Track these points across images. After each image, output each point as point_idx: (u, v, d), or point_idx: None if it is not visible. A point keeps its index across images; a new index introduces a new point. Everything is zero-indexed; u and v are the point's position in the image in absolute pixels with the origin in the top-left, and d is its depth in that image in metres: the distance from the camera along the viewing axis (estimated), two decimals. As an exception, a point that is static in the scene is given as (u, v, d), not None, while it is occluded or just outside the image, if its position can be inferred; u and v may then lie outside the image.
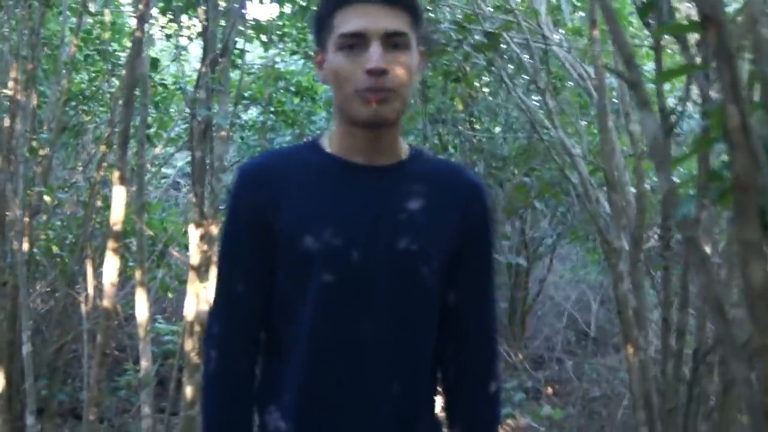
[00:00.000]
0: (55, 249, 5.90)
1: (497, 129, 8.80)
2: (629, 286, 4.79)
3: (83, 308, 5.39)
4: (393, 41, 1.70)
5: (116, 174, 4.25)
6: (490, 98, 8.19)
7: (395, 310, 1.74)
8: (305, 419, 1.75)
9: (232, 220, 1.79)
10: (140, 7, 4.05)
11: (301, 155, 1.81)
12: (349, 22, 1.70)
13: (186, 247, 7.62)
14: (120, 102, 6.42)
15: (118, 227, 4.16)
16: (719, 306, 2.51)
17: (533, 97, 6.45)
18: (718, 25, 1.40)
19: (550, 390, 7.48)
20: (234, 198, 1.79)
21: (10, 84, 5.17)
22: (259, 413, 1.82)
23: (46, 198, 5.46)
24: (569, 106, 6.79)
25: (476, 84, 7.36)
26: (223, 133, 4.59)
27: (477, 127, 8.73)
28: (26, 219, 4.79)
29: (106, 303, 4.22)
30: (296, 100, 8.29)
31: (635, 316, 4.80)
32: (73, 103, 7.11)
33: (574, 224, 8.03)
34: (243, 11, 5.21)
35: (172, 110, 8.66)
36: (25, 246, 4.64)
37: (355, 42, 1.70)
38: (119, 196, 4.20)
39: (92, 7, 7.25)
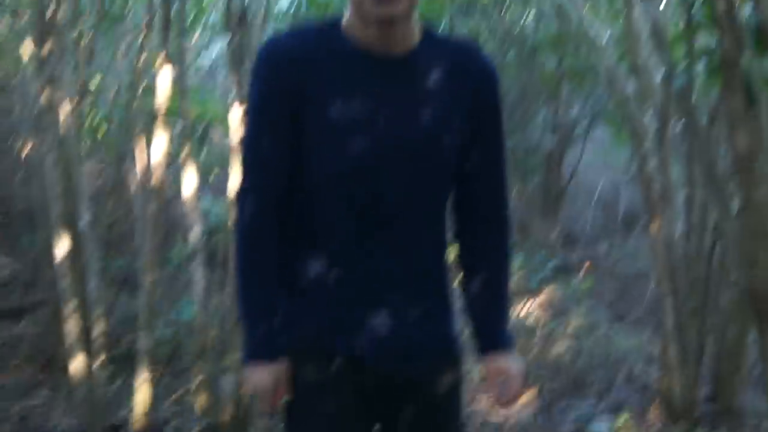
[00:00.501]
0: (102, 129, 6.15)
1: (529, 18, 8.81)
2: (655, 165, 4.95)
3: (133, 185, 5.64)
4: None
5: (161, 55, 4.43)
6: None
7: (414, 182, 1.86)
8: (343, 263, 1.86)
9: (260, 96, 1.85)
10: None
11: (323, 39, 1.85)
12: None
13: (226, 132, 7.85)
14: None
15: (165, 106, 4.38)
16: (711, 169, 2.71)
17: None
18: None
19: (584, 266, 7.66)
20: (263, 76, 1.84)
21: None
22: (295, 262, 1.91)
23: (93, 81, 5.65)
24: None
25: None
26: (260, 20, 4.76)
27: (508, 16, 8.76)
28: (74, 101, 4.99)
29: (156, 178, 4.48)
30: (328, -13, 8.28)
31: (661, 193, 4.96)
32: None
33: (604, 109, 8.11)
34: None
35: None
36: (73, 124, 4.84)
37: None
38: (165, 76, 4.40)
39: None
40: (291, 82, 1.81)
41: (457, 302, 2.02)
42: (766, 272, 1.39)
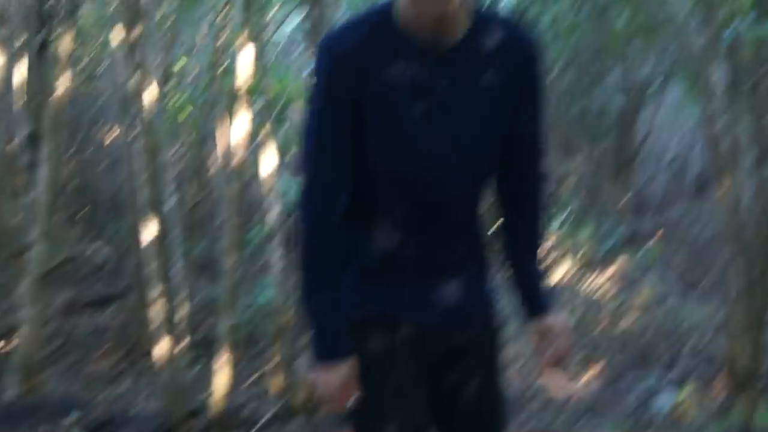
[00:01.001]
0: (185, 112, 6.35)
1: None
2: (724, 124, 4.90)
3: (216, 166, 5.80)
4: None
5: (243, 36, 4.56)
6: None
7: (467, 170, 1.98)
8: (402, 244, 1.98)
9: (320, 101, 1.90)
10: None
11: (378, 34, 1.90)
12: None
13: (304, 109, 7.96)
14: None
15: (247, 87, 4.51)
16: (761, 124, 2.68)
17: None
18: None
19: (655, 233, 7.64)
20: (323, 83, 1.90)
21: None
22: (358, 243, 2.01)
23: (177, 64, 5.83)
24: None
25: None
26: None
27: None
28: (160, 85, 5.15)
29: (237, 159, 4.64)
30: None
31: (729, 153, 4.92)
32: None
33: (677, 66, 8.00)
34: None
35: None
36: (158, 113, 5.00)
37: None
38: (246, 55, 4.53)
39: None
40: (352, 86, 1.88)
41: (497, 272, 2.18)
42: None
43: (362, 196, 2.01)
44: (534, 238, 2.16)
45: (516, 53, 1.99)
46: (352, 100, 1.89)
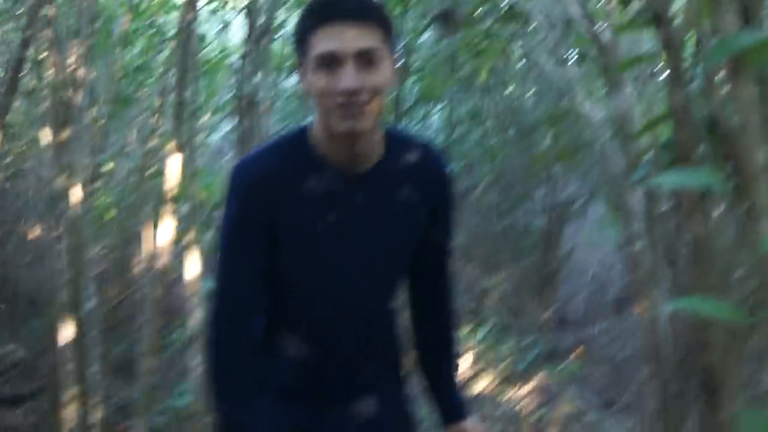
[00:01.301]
0: (112, 213, 6.32)
1: (529, 94, 9.04)
2: (643, 245, 5.06)
3: (139, 268, 5.77)
4: (366, 58, 1.80)
5: (172, 143, 4.62)
6: (523, 63, 8.41)
7: (379, 289, 2.06)
8: (310, 364, 2.03)
9: (233, 228, 1.93)
10: (190, -9, 4.40)
11: (291, 158, 1.93)
12: (323, 42, 1.79)
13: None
14: (171, 74, 6.82)
15: (174, 192, 4.54)
16: (669, 252, 2.83)
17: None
18: (666, 23, 1.71)
19: (577, 350, 7.72)
20: (234, 210, 1.92)
21: (70, 60, 5.53)
22: (267, 360, 2.03)
23: (107, 165, 5.84)
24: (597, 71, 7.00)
25: (508, 50, 7.60)
26: (267, 104, 4.97)
27: (508, 92, 9.01)
28: (87, 186, 5.16)
29: (162, 262, 4.62)
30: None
31: (648, 273, 5.06)
32: (126, 76, 7.49)
33: (599, 187, 8.26)
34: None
35: (216, 81, 9.02)
36: (85, 210, 5.00)
37: (330, 62, 1.79)
38: (174, 163, 4.57)
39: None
40: (265, 210, 1.91)
41: (413, 384, 2.21)
42: (715, 353, 1.51)
43: (275, 316, 2.04)
44: (447, 347, 2.23)
45: (429, 175, 2.06)
46: (265, 223, 1.91)
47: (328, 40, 1.79)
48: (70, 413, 4.66)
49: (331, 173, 1.93)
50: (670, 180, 1.08)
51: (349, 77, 1.77)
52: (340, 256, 1.97)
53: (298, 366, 2.04)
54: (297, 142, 1.97)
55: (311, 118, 1.98)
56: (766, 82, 1.66)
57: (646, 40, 4.94)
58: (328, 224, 1.94)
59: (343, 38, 1.79)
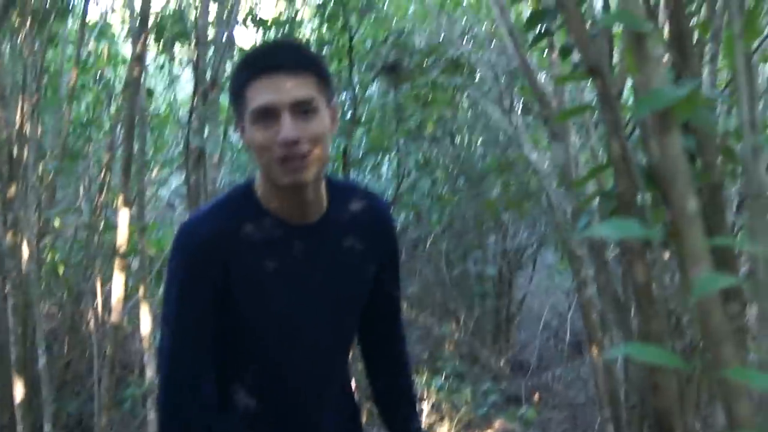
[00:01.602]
0: (61, 269, 6.27)
1: (478, 143, 9.16)
2: (594, 290, 5.15)
3: (92, 324, 5.72)
4: (302, 108, 1.82)
5: (121, 198, 4.62)
6: (468, 115, 8.54)
7: (333, 341, 2.08)
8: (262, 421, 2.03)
9: (181, 299, 1.90)
10: (138, 46, 4.43)
11: (239, 214, 1.94)
12: (258, 96, 1.81)
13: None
14: (119, 129, 6.82)
15: (124, 247, 4.53)
16: (615, 298, 2.90)
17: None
18: (602, 75, 1.77)
19: (534, 397, 7.76)
20: (181, 278, 1.90)
21: (17, 116, 5.52)
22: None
23: (57, 221, 5.81)
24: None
25: (456, 100, 7.72)
26: (215, 159, 4.99)
27: (457, 141, 9.13)
28: (35, 243, 5.14)
29: (114, 317, 4.59)
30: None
31: (600, 319, 5.14)
32: (74, 130, 7.47)
33: (549, 234, 8.36)
34: (231, 42, 5.59)
35: (165, 135, 9.03)
36: (34, 266, 4.97)
37: (267, 115, 1.82)
38: (124, 218, 4.57)
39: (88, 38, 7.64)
40: (213, 269, 1.90)
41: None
42: (666, 394, 1.56)
43: (229, 371, 2.02)
44: (407, 395, 2.29)
45: (374, 225, 2.13)
46: (214, 282, 1.90)
47: (264, 92, 1.81)
48: (21, 474, 4.57)
49: (279, 226, 1.94)
50: (609, 230, 1.13)
51: (286, 128, 1.79)
52: (292, 308, 1.98)
53: (255, 421, 2.03)
54: (243, 197, 1.98)
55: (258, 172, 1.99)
56: (699, 132, 1.74)
57: (590, 89, 5.08)
58: (278, 276, 1.94)
59: (279, 90, 1.80)
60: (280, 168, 1.83)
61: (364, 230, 2.08)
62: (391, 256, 2.17)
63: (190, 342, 1.89)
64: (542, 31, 2.52)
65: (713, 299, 1.08)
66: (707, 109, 1.68)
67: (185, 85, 11.47)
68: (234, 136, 9.09)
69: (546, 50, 4.67)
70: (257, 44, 1.89)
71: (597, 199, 4.05)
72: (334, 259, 2.03)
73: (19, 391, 4.66)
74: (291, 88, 1.80)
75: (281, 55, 1.85)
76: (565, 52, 2.56)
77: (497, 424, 6.75)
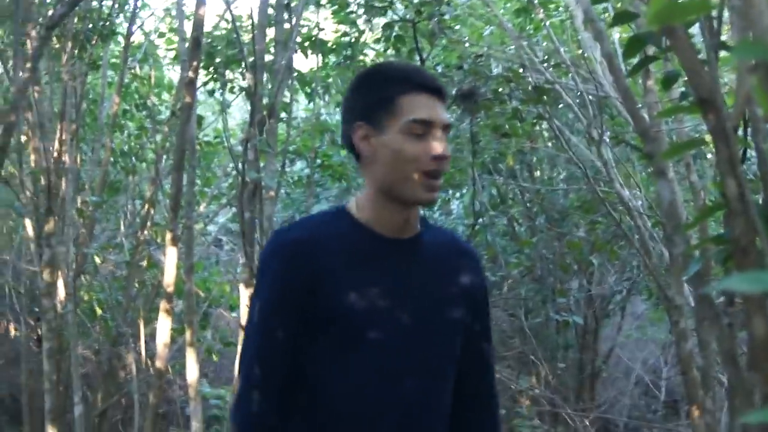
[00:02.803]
0: (99, 309, 6.36)
1: (560, 178, 9.12)
2: (694, 344, 5.05)
3: (132, 369, 5.79)
4: (446, 132, 2.07)
5: (169, 236, 4.67)
6: (550, 146, 8.50)
7: (431, 370, 2.09)
8: None
9: (271, 291, 2.02)
10: (190, 73, 4.50)
11: (333, 225, 2.08)
12: (418, 110, 2.03)
13: (231, 307, 8.05)
14: (164, 159, 6.93)
15: (171, 288, 4.58)
16: (732, 356, 2.85)
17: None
18: (716, 108, 1.76)
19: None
20: (274, 270, 2.02)
21: (56, 145, 5.64)
22: None
23: (96, 258, 5.91)
24: (634, 155, 7.09)
25: (536, 130, 7.70)
26: (272, 193, 5.03)
27: (537, 175, 9.10)
28: (72, 279, 5.22)
29: (159, 364, 4.63)
30: (342, 153, 8.61)
31: (701, 376, 5.04)
32: (115, 161, 7.61)
33: (640, 280, 8.25)
34: (290, 67, 5.66)
35: (214, 166, 9.13)
36: (71, 306, 5.05)
37: (423, 129, 2.02)
38: (171, 257, 4.62)
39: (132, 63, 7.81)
40: (304, 279, 2.00)
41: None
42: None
43: (316, 398, 2.03)
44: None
45: (462, 256, 2.21)
46: (301, 293, 1.99)
47: (424, 107, 2.05)
48: None
49: (375, 238, 2.08)
50: (746, 283, 1.10)
51: (442, 145, 2.03)
52: (395, 337, 2.05)
53: None
54: (337, 212, 2.14)
55: (341, 202, 2.18)
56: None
57: (687, 119, 5.02)
58: (372, 284, 2.04)
59: (435, 109, 2.06)
60: (423, 182, 2.02)
61: (454, 260, 2.17)
62: (482, 297, 2.22)
63: (274, 344, 2.01)
64: (646, 58, 2.49)
65: None
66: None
67: (235, 113, 11.64)
68: (290, 168, 9.19)
69: (640, 79, 4.66)
70: (378, 63, 2.11)
71: (703, 244, 4.00)
72: (429, 276, 2.12)
73: (55, 440, 4.72)
74: (442, 111, 2.07)
75: (435, 80, 2.11)
76: (667, 82, 2.53)
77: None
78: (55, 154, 5.64)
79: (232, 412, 2.05)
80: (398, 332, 2.05)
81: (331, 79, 8.14)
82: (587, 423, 8.13)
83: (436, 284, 2.13)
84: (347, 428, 2.03)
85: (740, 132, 2.51)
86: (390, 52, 6.88)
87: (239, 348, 4.91)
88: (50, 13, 4.68)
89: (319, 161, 8.51)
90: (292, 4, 5.74)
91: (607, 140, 5.99)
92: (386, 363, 2.03)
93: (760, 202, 1.96)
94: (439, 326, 2.11)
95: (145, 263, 6.44)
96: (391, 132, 2.03)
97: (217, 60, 6.59)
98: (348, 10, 6.93)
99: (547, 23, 6.22)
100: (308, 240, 2.03)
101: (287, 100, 6.60)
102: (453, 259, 2.18)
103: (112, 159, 7.56)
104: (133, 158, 7.87)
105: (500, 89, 5.43)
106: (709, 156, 6.60)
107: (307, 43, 7.25)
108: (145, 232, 6.62)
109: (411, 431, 2.06)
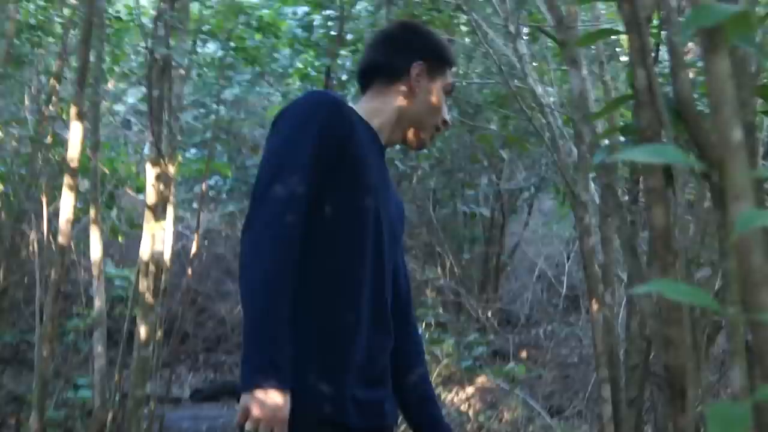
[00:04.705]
0: (0, 185, 6.22)
1: (476, 72, 9.10)
2: (597, 240, 5.15)
3: (34, 246, 5.70)
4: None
5: (74, 110, 4.55)
6: (467, 41, 8.44)
7: (393, 261, 2.46)
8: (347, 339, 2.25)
9: (305, 134, 2.20)
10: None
11: (353, 112, 2.37)
12: (450, 78, 2.52)
13: (137, 189, 7.95)
14: (72, 33, 6.72)
15: (75, 164, 4.48)
16: (633, 248, 2.90)
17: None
18: (631, -3, 1.74)
19: (521, 351, 7.81)
20: (320, 115, 2.23)
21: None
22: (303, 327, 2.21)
23: (-2, 133, 5.74)
24: (549, 52, 7.09)
25: (454, 23, 7.62)
26: (182, 71, 4.92)
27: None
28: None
29: (61, 239, 4.56)
30: (258, 36, 8.46)
31: (602, 271, 5.15)
32: (21, 33, 7.34)
33: (550, 176, 8.34)
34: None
35: (125, 45, 8.88)
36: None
37: (447, 93, 2.52)
38: (76, 132, 4.51)
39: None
40: (341, 135, 2.25)
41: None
42: (679, 351, 1.55)
43: (319, 285, 2.23)
44: (420, 353, 2.63)
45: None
46: (339, 144, 2.23)
47: (450, 80, 2.53)
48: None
49: (379, 143, 2.44)
50: (645, 154, 1.11)
51: (448, 113, 2.55)
52: (381, 216, 2.33)
53: (341, 344, 2.23)
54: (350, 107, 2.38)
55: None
56: (737, 57, 1.71)
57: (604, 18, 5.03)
58: (376, 171, 2.35)
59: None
60: (429, 131, 2.51)
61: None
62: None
63: (304, 174, 2.15)
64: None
65: (754, 238, 1.07)
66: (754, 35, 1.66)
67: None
68: (202, 50, 8.99)
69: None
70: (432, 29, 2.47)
71: (610, 136, 4.04)
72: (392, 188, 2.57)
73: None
74: None
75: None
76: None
77: (481, 379, 6.80)
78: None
79: (247, 235, 2.12)
80: (386, 222, 2.36)
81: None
82: (489, 314, 8.30)
83: (394, 195, 2.55)
84: (346, 289, 2.25)
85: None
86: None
87: (144, 231, 4.86)
88: None
89: (232, 44, 8.33)
90: None
91: (524, 36, 5.97)
92: (378, 241, 2.31)
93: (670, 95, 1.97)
94: (398, 225, 2.50)
95: (49, 139, 6.28)
96: (437, 83, 2.48)
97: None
98: None
99: None
100: (348, 108, 2.33)
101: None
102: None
103: (17, 31, 7.30)
104: (40, 31, 7.62)
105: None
106: (623, 59, 6.66)
107: None
108: (51, 107, 6.43)
109: (379, 305, 2.33)
